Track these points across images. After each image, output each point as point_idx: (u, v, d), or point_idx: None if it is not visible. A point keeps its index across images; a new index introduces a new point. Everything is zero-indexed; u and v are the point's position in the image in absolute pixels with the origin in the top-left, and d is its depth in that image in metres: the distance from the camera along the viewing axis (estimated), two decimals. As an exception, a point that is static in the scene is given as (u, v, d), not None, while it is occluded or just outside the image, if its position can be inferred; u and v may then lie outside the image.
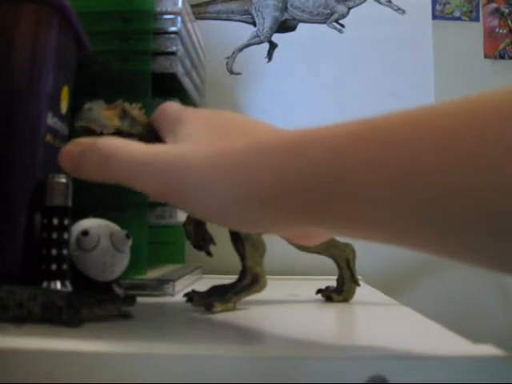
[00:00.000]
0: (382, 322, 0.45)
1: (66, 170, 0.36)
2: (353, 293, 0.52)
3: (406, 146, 0.24)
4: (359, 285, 0.52)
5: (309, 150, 0.27)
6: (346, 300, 0.51)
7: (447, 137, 0.23)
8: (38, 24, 0.42)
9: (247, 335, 0.37)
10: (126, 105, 0.42)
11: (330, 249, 0.52)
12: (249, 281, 0.44)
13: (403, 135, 0.24)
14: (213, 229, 0.47)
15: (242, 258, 0.44)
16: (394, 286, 0.63)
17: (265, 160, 0.29)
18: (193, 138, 0.33)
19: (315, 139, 0.28)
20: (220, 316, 0.42)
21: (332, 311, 0.49)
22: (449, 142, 0.23)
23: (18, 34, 0.41)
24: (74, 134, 0.44)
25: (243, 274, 0.44)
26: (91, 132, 0.40)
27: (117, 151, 0.34)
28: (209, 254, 0.47)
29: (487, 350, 0.30)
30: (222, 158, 0.30)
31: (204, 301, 0.44)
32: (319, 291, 0.54)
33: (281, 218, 0.29)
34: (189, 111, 0.37)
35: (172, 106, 0.39)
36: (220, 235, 0.46)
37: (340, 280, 0.52)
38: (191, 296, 0.45)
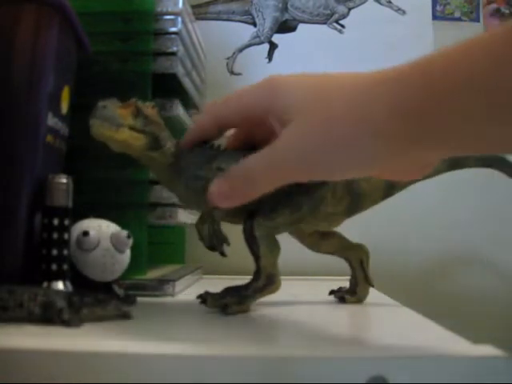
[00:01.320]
0: (383, 322, 0.45)
1: (224, 206, 0.38)
2: (366, 293, 0.51)
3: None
4: (373, 285, 0.52)
5: (421, 73, 0.29)
6: (359, 301, 0.51)
7: None
8: (39, 24, 0.42)
9: (247, 335, 0.37)
10: (140, 103, 0.42)
11: (343, 250, 0.51)
12: (263, 282, 0.43)
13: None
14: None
15: (257, 258, 0.43)
16: (394, 287, 0.63)
17: (380, 90, 0.31)
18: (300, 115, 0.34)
19: (428, 65, 0.30)
20: (220, 316, 0.42)
21: (332, 312, 0.49)
22: None
23: (18, 35, 0.41)
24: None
25: (257, 274, 0.44)
26: (105, 129, 0.40)
27: (254, 168, 0.36)
28: (222, 254, 0.46)
29: (487, 350, 0.30)
30: (337, 106, 0.32)
31: (218, 302, 0.43)
32: (332, 292, 0.53)
33: (395, 146, 0.30)
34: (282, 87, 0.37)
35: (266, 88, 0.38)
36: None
37: (353, 281, 0.51)
38: (205, 297, 0.45)
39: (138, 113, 0.41)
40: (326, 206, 0.45)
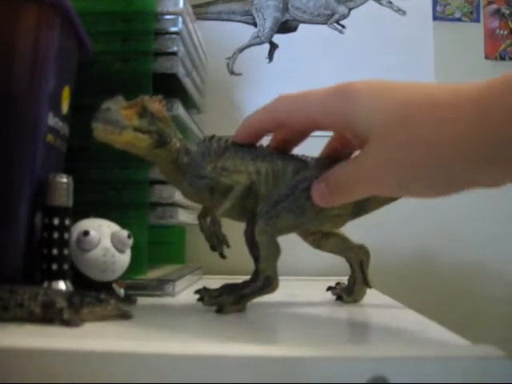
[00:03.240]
0: (383, 322, 0.45)
1: (321, 205, 0.41)
2: (363, 294, 0.51)
3: None
4: (370, 287, 0.52)
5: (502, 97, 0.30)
6: (355, 301, 0.51)
7: None
8: (39, 24, 0.42)
9: (247, 335, 0.37)
10: (147, 100, 0.41)
11: (344, 250, 0.51)
12: (261, 283, 0.43)
13: None
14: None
15: (256, 260, 0.43)
16: (394, 287, 0.63)
17: (469, 117, 0.31)
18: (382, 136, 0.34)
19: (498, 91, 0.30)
20: (220, 316, 0.42)
21: (332, 312, 0.49)
22: None
23: (19, 34, 0.41)
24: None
25: (256, 275, 0.44)
26: (108, 133, 0.40)
27: (343, 181, 0.38)
28: (222, 255, 0.45)
29: (487, 350, 0.30)
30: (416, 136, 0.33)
31: (215, 301, 0.44)
32: (329, 288, 0.53)
33: (479, 167, 0.31)
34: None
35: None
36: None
37: (351, 280, 0.52)
38: (202, 295, 0.45)
39: (143, 112, 0.41)
40: (331, 209, 0.45)
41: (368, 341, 0.36)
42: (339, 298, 0.52)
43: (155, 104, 0.42)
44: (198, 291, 0.45)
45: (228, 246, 0.44)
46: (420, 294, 0.81)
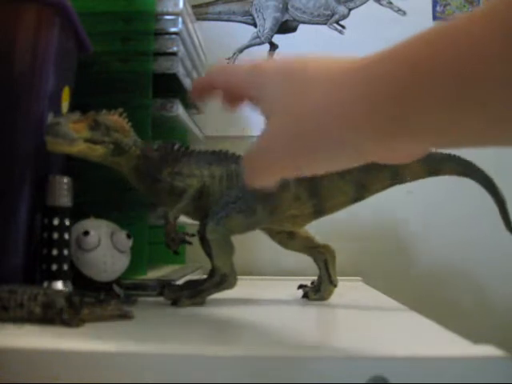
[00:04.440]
0: (383, 322, 0.45)
1: (252, 184, 0.40)
2: (330, 293, 0.52)
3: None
4: (335, 285, 0.52)
5: (391, 63, 0.31)
6: (322, 299, 0.52)
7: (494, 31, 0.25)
8: (39, 24, 0.42)
9: (247, 335, 0.37)
10: (102, 114, 0.44)
11: (308, 249, 0.53)
12: (217, 279, 0.46)
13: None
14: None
15: (210, 257, 0.46)
16: (394, 287, 0.63)
17: (357, 85, 0.31)
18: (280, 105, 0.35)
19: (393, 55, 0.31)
20: (220, 316, 0.42)
21: (332, 312, 0.49)
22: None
23: (19, 35, 0.41)
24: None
25: (212, 272, 0.47)
26: (58, 145, 0.42)
27: (253, 156, 0.37)
28: (176, 252, 0.48)
29: (487, 350, 0.30)
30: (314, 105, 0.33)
31: (174, 295, 0.46)
32: (300, 286, 0.54)
33: (377, 139, 0.31)
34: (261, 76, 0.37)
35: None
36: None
37: (319, 279, 0.53)
38: (162, 291, 0.47)
39: (95, 125, 0.44)
40: (288, 210, 0.47)
41: (368, 341, 0.36)
42: (305, 295, 0.53)
43: (112, 117, 0.44)
44: (161, 286, 0.48)
45: (188, 242, 0.47)
46: (420, 294, 0.81)
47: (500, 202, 0.50)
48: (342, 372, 0.29)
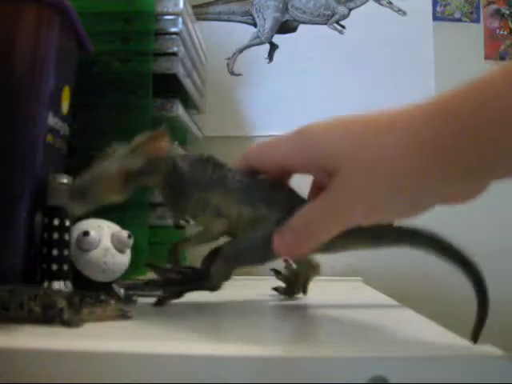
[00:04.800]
0: (383, 322, 0.45)
1: (290, 256, 0.43)
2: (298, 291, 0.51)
3: None
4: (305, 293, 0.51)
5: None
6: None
7: None
8: (39, 24, 0.42)
9: (247, 335, 0.37)
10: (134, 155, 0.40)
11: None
12: (206, 285, 0.44)
13: None
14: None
15: (208, 271, 0.44)
16: (394, 287, 0.63)
17: (420, 135, 0.32)
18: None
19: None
20: (220, 316, 0.42)
21: (332, 312, 0.49)
22: None
23: (19, 34, 0.41)
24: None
25: (206, 275, 0.44)
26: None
27: (316, 217, 0.36)
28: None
29: (487, 350, 0.30)
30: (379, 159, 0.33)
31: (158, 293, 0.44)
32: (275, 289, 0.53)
33: (447, 185, 0.32)
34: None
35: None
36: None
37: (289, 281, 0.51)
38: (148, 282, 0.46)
39: (131, 178, 0.41)
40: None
41: (368, 341, 0.36)
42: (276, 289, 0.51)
43: (150, 146, 0.41)
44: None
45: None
46: (420, 294, 0.81)
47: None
48: (342, 372, 0.29)
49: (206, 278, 0.44)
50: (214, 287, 0.44)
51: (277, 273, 0.52)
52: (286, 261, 0.51)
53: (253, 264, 0.44)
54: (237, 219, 0.42)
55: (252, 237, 0.42)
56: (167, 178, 0.42)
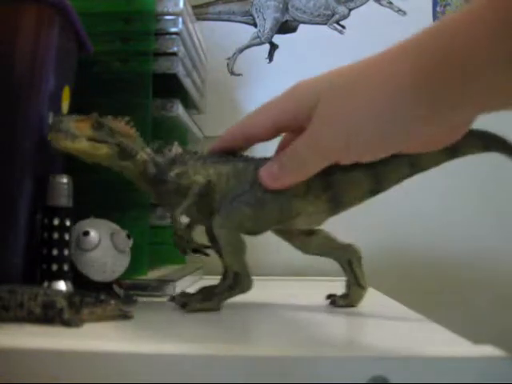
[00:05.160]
0: (383, 322, 0.45)
1: (274, 186, 0.42)
2: (359, 297, 0.49)
3: None
4: (364, 288, 0.49)
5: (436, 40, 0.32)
6: (350, 305, 0.49)
7: None
8: (40, 24, 0.42)
9: (247, 335, 0.37)
10: (105, 117, 0.44)
11: (330, 250, 0.49)
12: (230, 280, 0.43)
13: None
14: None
15: (220, 255, 0.45)
16: (394, 287, 0.63)
17: (402, 57, 0.34)
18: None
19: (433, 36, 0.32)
20: (220, 317, 0.42)
21: (333, 312, 0.49)
22: None
23: (19, 35, 0.41)
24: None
25: (225, 273, 0.45)
26: (61, 140, 0.42)
27: (299, 148, 0.38)
28: (185, 252, 0.47)
29: (487, 350, 0.30)
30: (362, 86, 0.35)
31: (184, 299, 0.45)
32: (329, 296, 0.51)
33: (427, 111, 0.32)
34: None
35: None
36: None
37: (347, 284, 0.50)
38: (174, 296, 0.46)
39: (98, 125, 0.43)
40: (300, 204, 0.44)
41: (368, 341, 0.36)
42: (333, 302, 0.50)
43: (116, 121, 0.44)
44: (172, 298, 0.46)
45: (206, 254, 0.46)
46: (420, 293, 0.81)
47: None
48: (342, 372, 0.29)
49: (228, 274, 0.44)
50: (240, 278, 0.43)
51: (331, 296, 0.51)
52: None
53: (254, 214, 0.43)
54: (216, 175, 0.45)
55: (239, 185, 0.44)
56: (146, 169, 0.45)
